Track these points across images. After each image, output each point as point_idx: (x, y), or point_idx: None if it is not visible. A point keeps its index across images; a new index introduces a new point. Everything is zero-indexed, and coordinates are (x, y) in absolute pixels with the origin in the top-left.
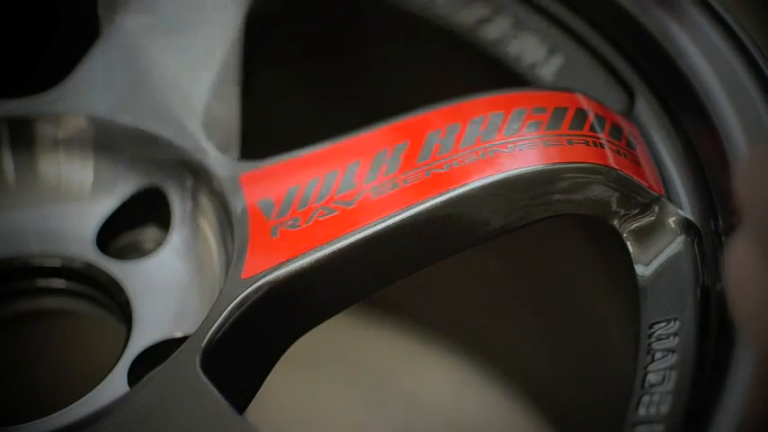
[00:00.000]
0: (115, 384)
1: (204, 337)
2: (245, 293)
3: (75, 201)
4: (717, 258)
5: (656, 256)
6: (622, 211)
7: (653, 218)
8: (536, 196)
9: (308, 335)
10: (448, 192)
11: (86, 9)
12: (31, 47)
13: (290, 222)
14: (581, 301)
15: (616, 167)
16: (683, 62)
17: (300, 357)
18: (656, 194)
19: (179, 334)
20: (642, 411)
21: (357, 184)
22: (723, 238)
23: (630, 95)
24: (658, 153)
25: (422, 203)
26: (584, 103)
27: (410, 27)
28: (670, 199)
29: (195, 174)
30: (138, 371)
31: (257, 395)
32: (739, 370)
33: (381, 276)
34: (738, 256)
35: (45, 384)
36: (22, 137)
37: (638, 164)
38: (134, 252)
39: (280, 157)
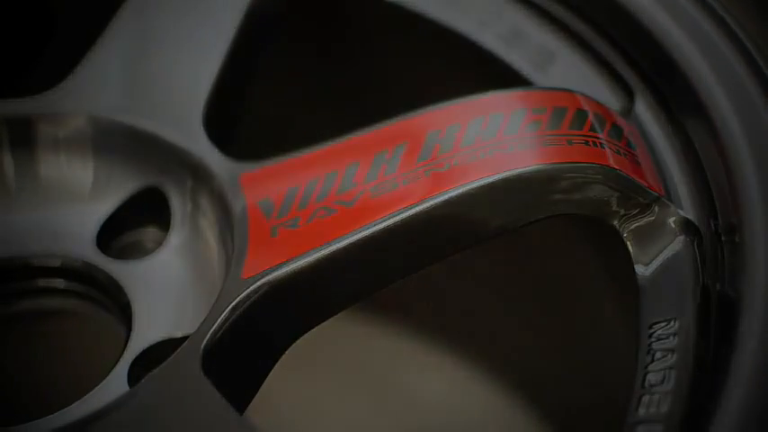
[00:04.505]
0: (115, 384)
1: (204, 337)
2: (245, 293)
3: (75, 201)
4: (717, 258)
5: (656, 256)
6: (622, 211)
7: (653, 218)
8: (536, 196)
9: (308, 335)
10: (448, 192)
11: (86, 9)
12: (31, 47)
13: (290, 222)
14: (581, 301)
15: (616, 167)
16: (683, 62)
17: (300, 357)
18: (656, 194)
19: (179, 334)
20: (642, 411)
21: (357, 184)
22: (723, 238)
23: (630, 95)
24: (658, 153)
25: (422, 203)
26: (583, 103)
27: (411, 27)
28: (670, 199)
29: (195, 174)
30: (138, 371)
31: (257, 395)
32: (739, 370)
33: (381, 276)
34: None
35: (45, 384)
36: (22, 137)
37: (638, 164)
38: (134, 252)
39: (280, 157)
